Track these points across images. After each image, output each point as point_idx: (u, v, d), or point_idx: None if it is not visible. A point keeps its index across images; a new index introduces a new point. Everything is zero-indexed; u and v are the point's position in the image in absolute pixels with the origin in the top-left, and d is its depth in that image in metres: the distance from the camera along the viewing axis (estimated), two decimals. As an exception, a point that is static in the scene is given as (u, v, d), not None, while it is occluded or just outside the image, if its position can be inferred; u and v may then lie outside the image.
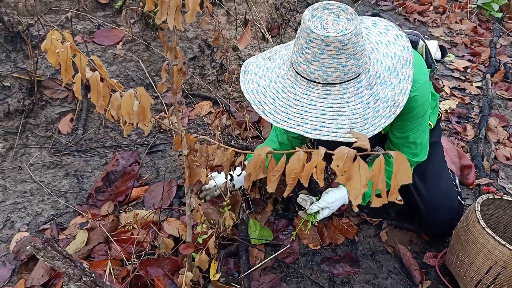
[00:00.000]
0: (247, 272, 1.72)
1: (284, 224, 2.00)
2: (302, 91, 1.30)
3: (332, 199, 1.71)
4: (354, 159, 0.79)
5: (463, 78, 3.70)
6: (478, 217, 1.62)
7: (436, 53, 1.77)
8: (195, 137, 1.17)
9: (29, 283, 1.63)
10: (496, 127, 2.93)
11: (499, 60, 3.94)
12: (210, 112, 2.65)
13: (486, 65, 3.91)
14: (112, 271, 1.63)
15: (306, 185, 0.89)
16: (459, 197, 1.92)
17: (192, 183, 1.34)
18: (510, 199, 1.78)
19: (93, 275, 1.32)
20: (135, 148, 2.35)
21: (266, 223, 2.00)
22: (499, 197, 1.78)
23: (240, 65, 2.77)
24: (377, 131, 1.29)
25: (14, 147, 2.21)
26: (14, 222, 1.91)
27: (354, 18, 1.26)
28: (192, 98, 2.70)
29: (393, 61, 1.37)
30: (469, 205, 2.21)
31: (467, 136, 2.89)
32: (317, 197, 1.79)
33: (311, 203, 1.78)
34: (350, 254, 1.87)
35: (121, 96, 1.13)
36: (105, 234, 1.80)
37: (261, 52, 2.98)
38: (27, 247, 1.22)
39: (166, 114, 2.47)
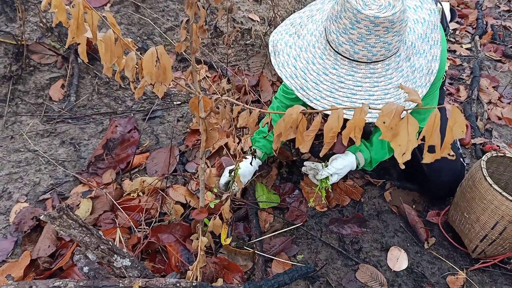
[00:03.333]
0: (260, 236, 1.72)
1: (290, 187, 2.00)
2: (345, 72, 1.25)
3: (341, 165, 1.69)
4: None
5: (453, 40, 3.70)
6: (485, 174, 1.64)
7: (448, 16, 1.74)
8: (216, 98, 1.13)
9: (35, 254, 1.59)
10: (487, 88, 2.96)
11: (486, 22, 3.95)
12: (206, 77, 2.58)
13: (474, 26, 3.91)
14: (121, 238, 1.60)
15: (345, 144, 0.86)
16: (461, 159, 1.94)
17: (209, 147, 1.31)
18: None
19: (110, 242, 1.29)
20: (132, 115, 2.27)
21: (272, 187, 1.99)
22: (502, 154, 1.80)
23: (235, 28, 2.68)
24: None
25: (4, 115, 2.10)
26: (11, 193, 1.84)
27: None
28: (186, 61, 2.61)
29: (424, 27, 1.34)
30: (467, 164, 2.25)
31: (460, 97, 2.91)
32: (324, 164, 1.77)
33: (316, 170, 1.76)
34: (358, 215, 1.89)
35: (137, 57, 1.07)
36: (110, 202, 1.76)
37: (255, 14, 2.89)
38: (41, 217, 1.17)
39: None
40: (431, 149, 0.77)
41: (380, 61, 1.25)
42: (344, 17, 1.21)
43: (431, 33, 1.34)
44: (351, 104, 1.25)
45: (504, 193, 1.57)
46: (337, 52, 1.26)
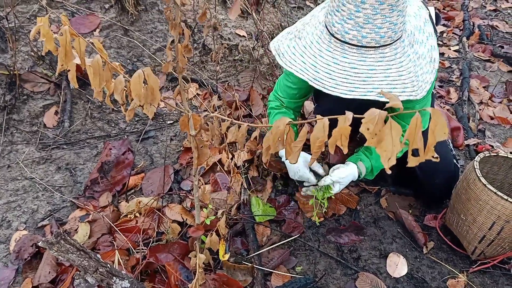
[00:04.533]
0: (257, 250, 1.72)
1: (286, 199, 2.01)
2: (356, 59, 1.25)
3: (343, 174, 1.68)
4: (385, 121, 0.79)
5: (440, 42, 3.75)
6: (479, 175, 1.65)
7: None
8: (205, 116, 1.14)
9: (36, 281, 1.59)
10: (478, 88, 3.00)
11: (473, 22, 4.01)
12: (197, 94, 2.60)
13: (460, 28, 3.97)
14: (120, 260, 1.60)
15: (332, 152, 0.88)
16: (454, 160, 1.96)
17: (201, 164, 1.32)
18: (505, 155, 1.82)
19: (108, 265, 1.29)
20: (126, 137, 2.29)
21: (267, 200, 2.00)
22: (495, 154, 1.82)
23: (223, 44, 2.72)
24: (428, 87, 1.30)
25: (0, 145, 2.12)
26: (10, 221, 1.84)
27: None
28: (177, 81, 2.64)
29: (417, 20, 1.38)
30: (461, 165, 2.26)
31: (451, 99, 2.94)
32: (324, 174, 1.76)
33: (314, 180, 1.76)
34: (355, 223, 1.90)
35: (125, 79, 1.09)
36: (108, 224, 1.77)
37: (242, 29, 2.94)
38: (39, 243, 1.18)
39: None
40: (415, 153, 0.78)
41: (388, 45, 1.26)
42: (347, 2, 1.22)
43: (424, 26, 1.38)
44: (371, 87, 1.25)
45: (499, 193, 1.58)
46: (344, 42, 1.26)
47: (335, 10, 1.27)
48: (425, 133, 0.72)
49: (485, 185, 1.62)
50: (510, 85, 2.97)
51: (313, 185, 1.75)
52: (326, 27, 1.32)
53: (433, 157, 0.76)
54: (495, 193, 1.59)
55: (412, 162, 0.78)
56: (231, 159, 1.77)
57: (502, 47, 3.56)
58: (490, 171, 1.91)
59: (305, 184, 1.78)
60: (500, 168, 1.90)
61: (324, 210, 1.82)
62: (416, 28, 1.37)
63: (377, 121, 0.79)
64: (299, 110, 1.95)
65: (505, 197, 1.56)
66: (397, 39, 1.28)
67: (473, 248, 1.76)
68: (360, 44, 1.25)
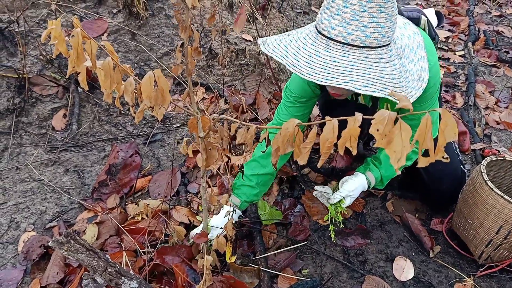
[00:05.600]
0: (264, 253, 1.73)
1: (292, 202, 2.01)
2: (339, 54, 1.24)
3: (353, 187, 1.66)
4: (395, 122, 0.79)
5: (446, 48, 3.76)
6: (485, 179, 1.65)
7: (433, 21, 1.78)
8: (214, 118, 1.16)
9: (44, 282, 1.60)
10: (483, 93, 3.00)
11: (478, 28, 4.01)
12: (204, 98, 2.62)
13: (466, 33, 3.98)
14: (128, 262, 1.61)
15: (342, 153, 0.89)
16: (461, 165, 1.96)
17: (209, 166, 1.33)
18: None
19: (117, 265, 1.30)
20: (133, 139, 2.31)
21: (274, 203, 2.01)
22: (502, 158, 1.82)
23: (229, 48, 2.74)
24: (411, 100, 1.28)
25: (9, 147, 2.14)
26: (18, 222, 1.86)
27: None
28: (183, 85, 2.66)
29: (409, 41, 1.38)
30: (468, 170, 2.26)
31: (457, 104, 2.95)
32: (334, 187, 1.73)
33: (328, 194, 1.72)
34: (361, 226, 1.90)
35: (136, 82, 1.11)
36: (115, 226, 1.78)
37: (248, 34, 2.96)
38: (49, 243, 1.19)
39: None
40: (425, 153, 0.79)
41: (374, 47, 1.25)
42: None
43: (417, 49, 1.38)
44: (349, 78, 1.23)
45: (506, 197, 1.58)
46: (329, 38, 1.26)
47: (325, 7, 1.28)
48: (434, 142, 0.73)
49: (492, 189, 1.62)
50: (516, 90, 2.97)
51: (325, 192, 1.72)
52: (316, 26, 1.33)
53: (443, 157, 0.76)
54: (502, 196, 1.58)
55: (422, 162, 0.79)
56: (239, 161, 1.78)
57: (508, 53, 3.56)
58: (496, 175, 1.91)
59: (316, 188, 1.76)
60: (506, 172, 1.89)
61: (340, 225, 1.77)
62: (407, 47, 1.36)
63: (386, 122, 0.80)
64: None
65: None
66: (385, 45, 1.26)
67: (480, 252, 1.76)
68: (345, 41, 1.24)
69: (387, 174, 1.71)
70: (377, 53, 1.26)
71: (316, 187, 1.72)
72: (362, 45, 1.23)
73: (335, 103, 1.74)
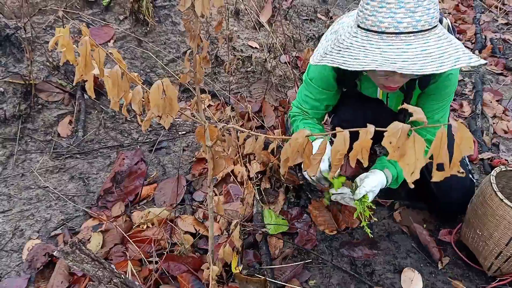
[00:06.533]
0: (270, 263, 1.70)
1: (298, 211, 1.99)
2: (404, 44, 1.23)
3: (374, 182, 1.63)
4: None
5: (453, 56, 3.73)
6: (495, 189, 1.63)
7: None
8: (222, 126, 1.14)
9: (48, 291, 1.59)
10: (491, 102, 2.97)
11: (485, 36, 3.99)
12: (210, 105, 2.61)
13: (472, 41, 3.96)
14: (133, 271, 1.60)
15: (353, 166, 0.87)
16: (470, 175, 1.93)
17: (216, 175, 1.32)
18: None
19: (122, 276, 1.29)
20: (138, 147, 2.30)
21: (280, 212, 1.99)
22: (511, 168, 1.80)
23: (235, 56, 2.73)
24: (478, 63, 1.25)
25: (14, 154, 2.14)
26: (23, 230, 1.85)
27: None
28: (189, 92, 2.65)
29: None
30: (476, 180, 2.23)
31: (464, 112, 2.92)
32: (352, 185, 1.68)
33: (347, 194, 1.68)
34: (368, 237, 1.87)
35: (143, 90, 1.10)
36: (120, 234, 1.76)
37: (254, 41, 2.95)
38: (54, 253, 1.18)
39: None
40: (440, 167, 0.77)
41: (426, 30, 1.23)
42: None
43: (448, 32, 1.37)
44: (439, 62, 1.21)
45: None
46: (380, 32, 1.25)
47: (365, 3, 1.27)
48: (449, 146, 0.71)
49: (502, 199, 1.59)
50: (524, 99, 2.94)
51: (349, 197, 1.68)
52: (359, 26, 1.31)
53: (458, 172, 0.75)
54: (512, 208, 1.56)
55: (437, 176, 0.77)
56: (246, 170, 1.77)
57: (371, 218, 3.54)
58: (506, 186, 1.89)
59: (331, 192, 1.71)
60: None
61: (372, 219, 1.74)
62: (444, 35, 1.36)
63: (400, 134, 0.79)
64: (322, 119, 1.97)
65: None
66: (432, 27, 1.24)
67: (490, 264, 1.73)
68: (397, 31, 1.23)
69: (401, 173, 1.69)
70: (431, 34, 1.24)
71: (331, 191, 1.69)
72: (415, 30, 1.22)
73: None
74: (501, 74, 3.39)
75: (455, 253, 1.86)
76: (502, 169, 1.77)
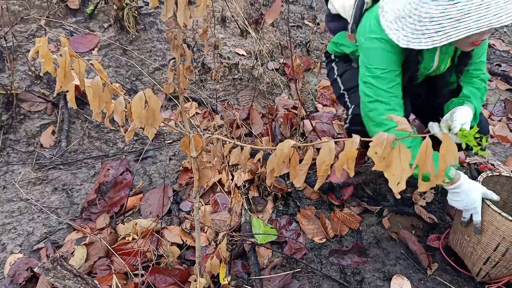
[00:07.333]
0: (259, 273, 1.68)
1: (287, 220, 1.97)
2: None
3: (464, 114, 1.59)
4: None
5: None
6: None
7: None
8: (208, 137, 1.12)
9: (31, 307, 1.54)
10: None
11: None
12: (197, 113, 2.59)
13: (457, 47, 4.00)
14: (118, 285, 1.56)
15: (339, 176, 0.86)
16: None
17: (202, 185, 1.30)
18: (508, 174, 1.81)
19: (106, 291, 1.25)
20: (124, 156, 2.26)
21: (268, 221, 1.97)
22: (498, 173, 1.80)
23: (222, 63, 2.72)
24: None
25: (-4, 166, 2.09)
26: (5, 244, 1.80)
27: None
28: (176, 100, 2.63)
29: None
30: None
31: (450, 117, 2.94)
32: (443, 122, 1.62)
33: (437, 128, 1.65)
34: (357, 244, 1.86)
35: (126, 101, 1.07)
36: (105, 247, 1.73)
37: (241, 48, 2.94)
38: (35, 269, 1.14)
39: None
40: (426, 178, 0.76)
41: None
42: None
43: None
44: None
45: (503, 214, 1.55)
46: None
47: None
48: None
49: (489, 205, 1.59)
50: (509, 103, 2.97)
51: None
52: None
53: (443, 181, 0.74)
54: (499, 213, 1.56)
55: (422, 187, 0.76)
56: (232, 179, 1.75)
57: (500, 66, 3.58)
58: (493, 191, 1.89)
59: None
60: (502, 187, 1.87)
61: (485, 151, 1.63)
62: None
63: (385, 145, 0.77)
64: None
65: (510, 218, 1.54)
66: None
67: (478, 269, 1.72)
68: None
69: (479, 106, 1.68)
70: None
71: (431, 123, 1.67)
72: None
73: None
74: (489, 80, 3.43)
75: (444, 259, 1.86)
76: (489, 174, 1.78)
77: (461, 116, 1.58)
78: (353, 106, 1.85)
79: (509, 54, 3.83)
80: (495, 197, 1.60)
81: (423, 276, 1.78)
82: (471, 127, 1.57)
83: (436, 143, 0.75)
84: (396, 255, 1.87)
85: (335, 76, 2.01)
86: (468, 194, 1.55)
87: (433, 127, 1.68)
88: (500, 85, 3.30)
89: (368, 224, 2.01)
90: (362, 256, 1.84)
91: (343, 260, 1.82)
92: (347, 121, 1.88)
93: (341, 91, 1.96)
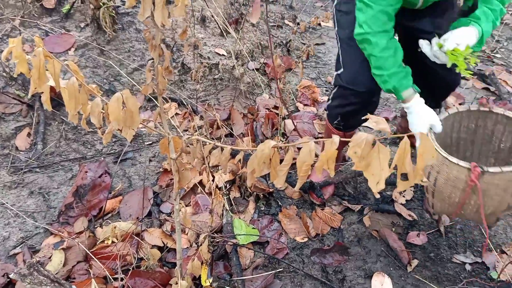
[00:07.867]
0: (241, 274, 1.67)
1: (269, 220, 1.97)
2: None
3: (462, 33, 1.49)
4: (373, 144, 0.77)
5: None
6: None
7: None
8: (187, 137, 1.11)
9: (7, 314, 1.51)
10: (454, 105, 3.04)
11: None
12: (177, 114, 2.56)
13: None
14: (98, 290, 1.53)
15: (319, 175, 0.86)
16: None
17: (182, 187, 1.29)
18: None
19: (84, 297, 1.23)
20: (102, 158, 2.22)
21: (250, 221, 1.96)
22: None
23: (202, 63, 2.70)
24: None
25: (-31, 169, 2.03)
26: (-21, 250, 1.75)
27: None
28: (155, 100, 2.60)
29: None
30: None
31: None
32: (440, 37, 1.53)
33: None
34: (339, 243, 1.87)
35: (103, 102, 1.05)
36: (83, 251, 1.69)
37: (221, 48, 2.92)
38: (11, 275, 1.11)
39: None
40: (404, 177, 0.77)
41: None
42: None
43: None
44: None
45: (430, 141, 1.54)
46: None
47: None
48: None
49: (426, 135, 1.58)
50: (484, 101, 3.03)
51: None
52: None
53: (422, 181, 0.74)
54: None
55: (401, 186, 0.76)
56: (213, 180, 1.74)
57: (476, 65, 3.64)
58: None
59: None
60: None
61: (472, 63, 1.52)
62: None
63: (364, 145, 0.78)
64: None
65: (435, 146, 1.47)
66: None
67: (431, 203, 1.71)
68: None
69: (487, 29, 1.56)
70: None
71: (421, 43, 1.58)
72: None
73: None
74: (463, 78, 3.48)
75: (424, 255, 1.88)
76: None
77: (458, 36, 1.49)
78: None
79: (485, 53, 3.90)
80: (438, 129, 1.56)
81: (403, 272, 1.81)
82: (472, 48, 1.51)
83: None
84: (377, 252, 1.89)
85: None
86: (416, 118, 1.55)
87: (423, 45, 1.60)
88: (476, 83, 3.36)
89: (349, 222, 2.02)
90: (343, 255, 1.85)
91: (325, 259, 1.83)
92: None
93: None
